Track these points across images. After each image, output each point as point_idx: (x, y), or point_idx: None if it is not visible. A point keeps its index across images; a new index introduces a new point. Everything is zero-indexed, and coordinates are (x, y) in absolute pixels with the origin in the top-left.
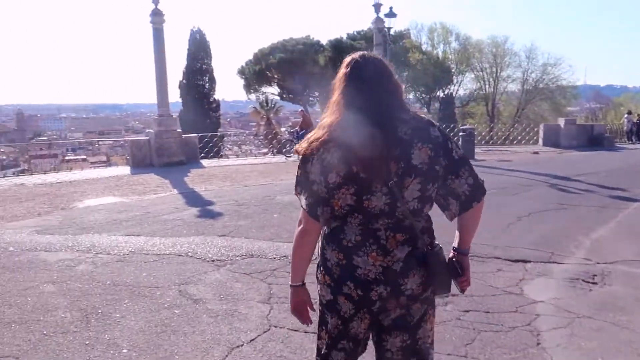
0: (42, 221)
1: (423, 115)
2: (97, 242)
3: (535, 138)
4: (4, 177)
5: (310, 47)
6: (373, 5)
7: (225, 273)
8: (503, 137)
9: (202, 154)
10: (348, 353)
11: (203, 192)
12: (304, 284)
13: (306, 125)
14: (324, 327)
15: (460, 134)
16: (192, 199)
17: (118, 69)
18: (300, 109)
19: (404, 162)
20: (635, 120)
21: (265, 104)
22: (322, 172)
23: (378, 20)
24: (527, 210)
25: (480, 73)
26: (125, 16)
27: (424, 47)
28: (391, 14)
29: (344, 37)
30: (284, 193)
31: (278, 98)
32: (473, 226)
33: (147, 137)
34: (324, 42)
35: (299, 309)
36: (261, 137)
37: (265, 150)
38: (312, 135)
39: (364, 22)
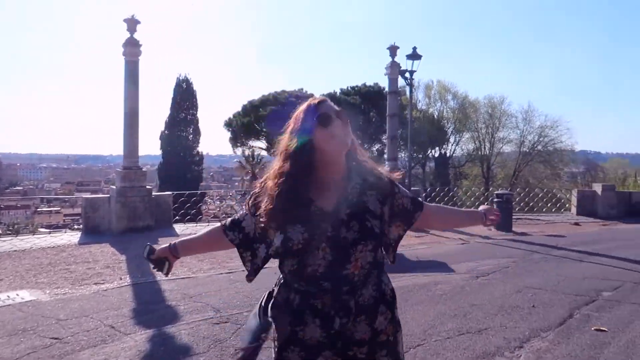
0: None
1: None
2: None
3: (567, 205)
4: None
5: (303, 101)
6: (388, 49)
7: None
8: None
9: (177, 217)
10: None
11: (168, 284)
12: None
13: None
14: None
15: (495, 200)
16: (147, 301)
17: (102, 119)
18: None
19: None
20: None
21: (251, 159)
22: None
23: (393, 65)
24: None
25: (476, 133)
26: (116, 68)
27: (419, 105)
28: (415, 55)
29: (338, 92)
30: None
31: (265, 153)
32: None
33: (108, 195)
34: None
35: None
36: (243, 193)
37: None
38: None
39: (358, 78)
